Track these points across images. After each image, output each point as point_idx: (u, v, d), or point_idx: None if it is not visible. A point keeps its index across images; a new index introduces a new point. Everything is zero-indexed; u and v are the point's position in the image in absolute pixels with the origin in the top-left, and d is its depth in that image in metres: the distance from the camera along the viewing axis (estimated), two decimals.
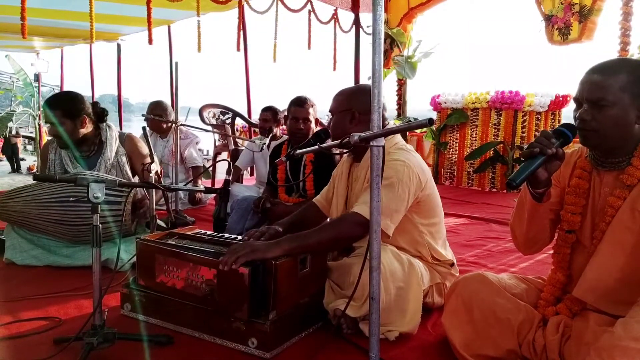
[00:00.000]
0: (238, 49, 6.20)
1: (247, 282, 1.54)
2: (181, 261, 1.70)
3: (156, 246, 1.79)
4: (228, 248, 1.65)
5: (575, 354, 1.31)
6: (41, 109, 12.37)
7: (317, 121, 2.97)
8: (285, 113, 3.04)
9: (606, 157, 1.38)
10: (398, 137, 1.94)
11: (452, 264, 1.99)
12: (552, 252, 1.54)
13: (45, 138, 13.02)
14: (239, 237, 1.88)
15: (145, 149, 2.90)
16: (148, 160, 2.67)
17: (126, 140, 2.88)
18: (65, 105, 2.65)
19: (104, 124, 2.82)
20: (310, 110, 2.84)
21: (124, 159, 2.82)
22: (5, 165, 14.01)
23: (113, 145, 2.79)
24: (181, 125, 3.73)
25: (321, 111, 3.69)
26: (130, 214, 2.59)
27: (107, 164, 2.74)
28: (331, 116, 2.00)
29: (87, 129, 2.72)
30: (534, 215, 1.41)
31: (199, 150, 4.79)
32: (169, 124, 4.18)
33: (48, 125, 2.68)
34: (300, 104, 2.83)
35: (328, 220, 2.17)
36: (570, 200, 1.43)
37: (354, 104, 1.92)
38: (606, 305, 1.33)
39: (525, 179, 1.24)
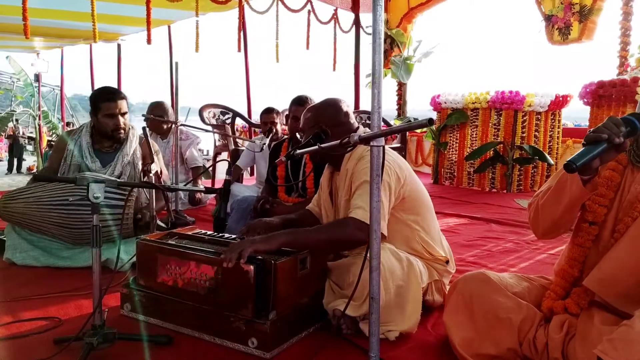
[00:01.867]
0: (239, 50, 6.22)
1: (253, 279, 1.55)
2: (183, 260, 1.70)
3: (157, 245, 1.79)
4: (227, 247, 1.65)
5: (580, 352, 1.30)
6: (41, 110, 12.40)
7: None
8: (287, 112, 3.03)
9: None
10: None
11: (447, 261, 1.99)
12: (556, 250, 1.52)
13: (46, 138, 13.04)
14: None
15: (161, 162, 2.96)
16: (154, 167, 2.68)
17: (143, 145, 2.92)
18: (126, 98, 2.79)
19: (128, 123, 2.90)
20: None
21: (140, 160, 2.85)
22: (3, 164, 14.04)
23: (133, 143, 2.85)
24: (181, 125, 3.74)
25: None
26: (132, 220, 2.59)
27: (124, 159, 2.78)
28: (303, 134, 2.02)
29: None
30: (575, 201, 1.36)
31: (199, 150, 4.79)
32: (169, 125, 4.18)
33: (115, 113, 2.70)
34: (300, 103, 2.83)
35: None
36: (600, 192, 1.39)
37: (321, 119, 1.95)
38: (618, 302, 1.31)
39: (585, 163, 1.20)
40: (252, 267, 1.55)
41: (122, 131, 2.76)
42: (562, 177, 1.36)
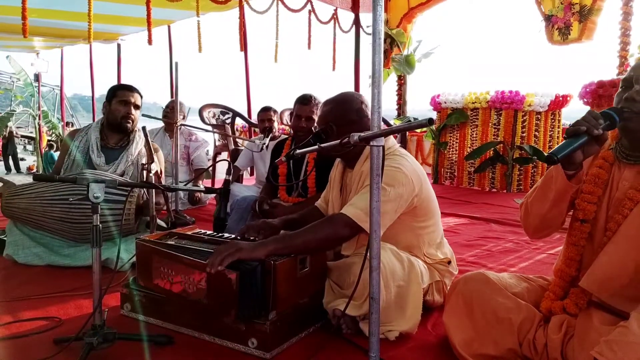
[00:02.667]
0: (241, 49, 6.22)
1: (235, 286, 1.50)
2: (175, 264, 1.68)
3: (153, 247, 1.78)
4: (215, 248, 1.62)
5: (578, 353, 1.30)
6: (41, 110, 12.39)
7: None
8: (290, 112, 3.04)
9: (633, 150, 1.37)
10: (392, 141, 1.92)
11: (449, 262, 1.99)
12: (556, 250, 1.52)
13: (46, 138, 13.04)
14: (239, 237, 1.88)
15: (161, 157, 2.99)
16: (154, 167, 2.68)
17: (146, 147, 2.92)
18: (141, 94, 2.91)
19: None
20: (315, 109, 2.79)
21: (144, 160, 2.86)
22: (2, 165, 14.03)
23: (139, 144, 2.89)
24: (181, 125, 3.74)
25: None
26: (135, 215, 2.60)
27: (128, 159, 2.82)
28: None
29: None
30: (561, 196, 1.37)
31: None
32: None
33: (129, 101, 2.80)
34: (304, 102, 2.80)
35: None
36: (588, 189, 1.41)
37: (332, 118, 1.92)
38: (614, 300, 1.31)
39: (566, 156, 1.22)
40: (235, 274, 1.51)
41: (131, 122, 2.82)
42: (548, 173, 1.39)
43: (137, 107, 2.85)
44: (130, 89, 2.85)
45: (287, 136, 3.16)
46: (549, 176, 1.39)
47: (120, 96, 2.81)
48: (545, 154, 1.27)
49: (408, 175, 1.76)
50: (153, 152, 2.76)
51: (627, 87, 1.34)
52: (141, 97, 2.90)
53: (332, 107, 1.95)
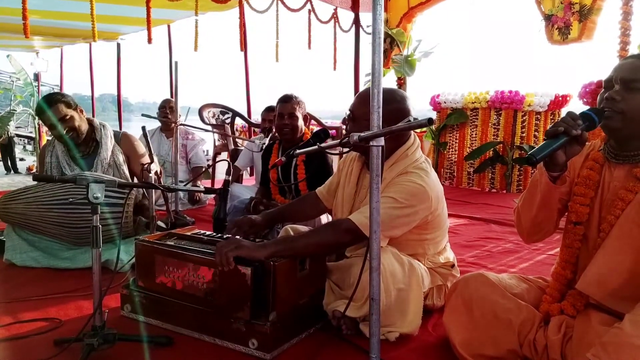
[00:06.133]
0: (242, 49, 6.21)
1: (250, 281, 1.54)
2: (181, 261, 1.70)
3: (155, 247, 1.78)
4: (214, 247, 1.62)
5: (577, 353, 1.30)
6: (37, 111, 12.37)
7: (305, 118, 2.90)
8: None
9: (621, 150, 1.37)
10: (419, 152, 1.87)
11: (453, 265, 1.99)
12: (555, 251, 1.53)
13: (45, 138, 13.02)
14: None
15: (142, 148, 2.89)
16: (146, 159, 2.66)
17: (122, 139, 2.85)
18: (62, 98, 2.64)
19: (98, 122, 2.80)
20: (296, 105, 2.81)
21: (121, 158, 2.79)
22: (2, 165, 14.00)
23: (108, 144, 2.77)
24: (180, 125, 3.73)
25: (321, 110, 3.68)
26: (133, 215, 2.59)
27: (103, 163, 2.72)
28: (351, 115, 1.83)
29: (85, 122, 2.72)
30: (546, 198, 1.38)
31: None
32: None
33: (53, 123, 2.60)
34: (286, 100, 2.82)
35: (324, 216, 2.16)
36: (580, 191, 1.42)
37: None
38: (610, 301, 1.32)
39: (545, 157, 1.23)
40: (249, 270, 1.54)
41: (73, 132, 2.65)
42: (534, 176, 1.40)
43: (64, 117, 2.58)
44: (47, 107, 2.56)
45: (273, 141, 3.13)
46: (535, 179, 1.40)
47: (45, 121, 2.62)
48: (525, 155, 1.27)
49: (430, 194, 1.74)
50: (139, 153, 2.70)
51: (608, 87, 1.35)
52: (62, 102, 2.60)
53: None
